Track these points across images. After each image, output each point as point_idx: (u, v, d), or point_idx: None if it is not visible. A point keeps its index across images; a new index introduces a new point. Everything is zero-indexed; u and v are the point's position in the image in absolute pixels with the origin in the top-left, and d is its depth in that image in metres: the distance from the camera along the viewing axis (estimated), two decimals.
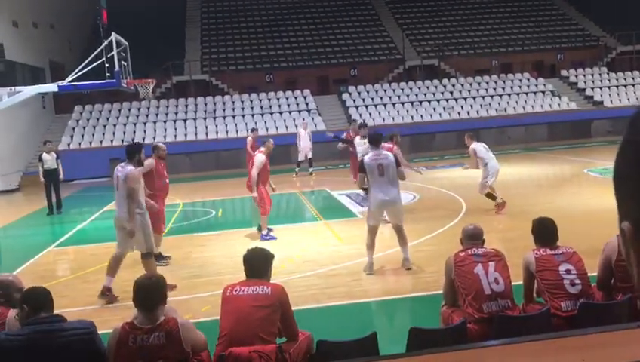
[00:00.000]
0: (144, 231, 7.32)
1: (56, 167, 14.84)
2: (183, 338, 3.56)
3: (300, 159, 19.90)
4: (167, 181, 9.40)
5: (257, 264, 4.33)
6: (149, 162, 9.00)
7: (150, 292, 3.64)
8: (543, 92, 29.72)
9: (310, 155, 19.86)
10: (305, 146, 19.89)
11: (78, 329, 3.61)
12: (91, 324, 3.72)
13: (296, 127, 24.91)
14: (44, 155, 14.91)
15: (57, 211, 15.07)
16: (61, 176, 15.06)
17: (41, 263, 9.97)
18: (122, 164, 7.43)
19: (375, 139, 7.80)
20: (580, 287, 4.33)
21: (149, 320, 3.57)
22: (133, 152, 7.55)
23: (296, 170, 19.61)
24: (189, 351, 3.64)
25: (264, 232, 10.34)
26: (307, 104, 28.91)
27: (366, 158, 7.64)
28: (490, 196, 11.44)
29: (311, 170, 19.74)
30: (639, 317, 4.11)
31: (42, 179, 14.82)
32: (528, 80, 30.85)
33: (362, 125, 13.40)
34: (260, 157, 10.12)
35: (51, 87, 15.41)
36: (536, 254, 4.54)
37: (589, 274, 4.50)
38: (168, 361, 3.54)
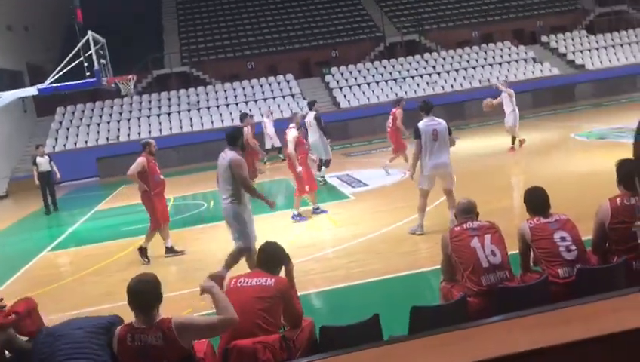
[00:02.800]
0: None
1: (50, 169, 15.52)
2: (180, 338, 3.50)
3: (267, 147, 19.79)
4: (162, 177, 9.28)
5: (271, 259, 4.37)
6: (140, 160, 8.89)
7: (143, 294, 3.59)
8: (525, 59, 29.76)
9: (278, 143, 19.67)
10: (273, 134, 19.83)
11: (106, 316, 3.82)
12: (117, 317, 3.83)
13: (271, 114, 24.88)
14: (38, 158, 15.53)
15: (54, 210, 15.84)
16: (58, 176, 15.86)
17: (36, 268, 9.92)
18: (226, 150, 6.89)
19: (428, 106, 8.23)
20: (576, 253, 4.36)
21: (145, 322, 3.55)
22: (235, 137, 6.99)
23: (265, 159, 19.47)
24: (189, 348, 3.59)
25: (295, 212, 10.30)
26: (290, 88, 28.79)
27: (420, 124, 8.08)
28: (514, 139, 14.69)
29: (281, 156, 19.54)
30: (635, 279, 4.15)
31: (37, 182, 15.40)
32: (509, 48, 30.86)
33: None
34: (292, 132, 10.24)
35: (31, 91, 15.22)
36: (531, 224, 4.56)
37: (583, 239, 4.53)
38: (171, 360, 3.52)
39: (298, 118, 11.02)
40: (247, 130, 13.30)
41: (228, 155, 6.79)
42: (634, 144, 2.94)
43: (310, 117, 13.38)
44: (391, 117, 13.88)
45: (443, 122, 8.18)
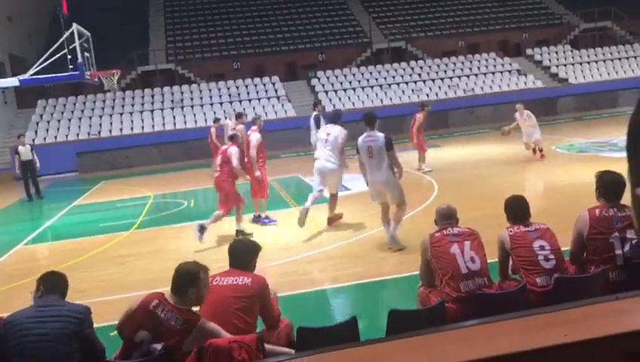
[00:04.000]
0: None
1: (31, 158, 16.21)
2: (191, 337, 3.59)
3: None
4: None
5: (242, 255, 4.31)
6: (236, 150, 9.30)
7: (179, 277, 3.73)
8: (510, 71, 30.05)
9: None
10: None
11: (73, 309, 3.73)
12: (87, 309, 3.78)
13: (264, 114, 24.79)
14: (20, 148, 16.29)
15: (38, 197, 16.53)
16: (38, 165, 16.46)
17: (9, 262, 9.74)
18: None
19: (369, 119, 7.87)
20: (554, 262, 4.38)
21: (176, 302, 3.67)
22: (339, 116, 9.63)
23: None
24: (187, 352, 3.61)
25: (263, 215, 10.32)
26: (276, 90, 28.74)
27: (359, 139, 7.84)
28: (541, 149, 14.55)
29: None
30: (611, 290, 4.18)
31: (17, 171, 16.31)
32: (494, 60, 31.16)
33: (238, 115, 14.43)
34: (255, 136, 10.01)
35: (12, 82, 15.02)
36: (511, 232, 4.58)
37: (562, 249, 4.56)
38: (169, 346, 3.55)
39: (261, 122, 10.69)
40: (213, 131, 13.58)
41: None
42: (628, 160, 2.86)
43: (312, 117, 13.78)
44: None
45: (381, 138, 7.65)
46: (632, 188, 2.04)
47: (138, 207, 13.88)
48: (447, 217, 4.79)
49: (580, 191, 9.32)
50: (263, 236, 9.30)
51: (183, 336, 3.56)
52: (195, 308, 4.00)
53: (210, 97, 28.22)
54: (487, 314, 2.99)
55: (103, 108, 27.46)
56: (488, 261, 4.55)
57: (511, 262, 4.63)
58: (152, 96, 28.23)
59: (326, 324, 3.87)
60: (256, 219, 10.40)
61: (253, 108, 27.19)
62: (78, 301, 6.69)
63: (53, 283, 3.90)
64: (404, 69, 30.26)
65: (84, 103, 27.78)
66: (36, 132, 25.52)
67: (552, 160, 15.30)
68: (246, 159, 10.14)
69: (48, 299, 3.79)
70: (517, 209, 4.71)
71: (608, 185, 4.56)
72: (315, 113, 13.79)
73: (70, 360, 3.52)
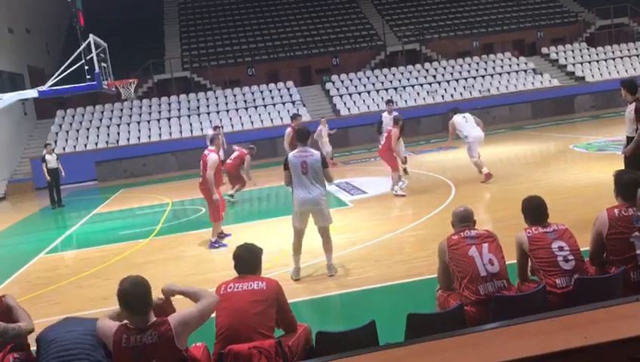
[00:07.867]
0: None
1: (57, 166, 16.94)
2: (177, 338, 3.48)
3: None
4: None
5: (248, 260, 4.33)
6: (215, 158, 9.47)
7: (142, 296, 3.54)
8: (525, 70, 29.85)
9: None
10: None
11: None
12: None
13: (272, 120, 24.84)
14: (47, 156, 16.91)
15: (59, 205, 17.13)
16: (63, 174, 17.22)
17: (32, 271, 9.88)
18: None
19: (303, 135, 7.38)
20: (574, 263, 4.34)
21: (141, 322, 3.51)
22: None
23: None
24: (182, 349, 3.54)
25: (213, 240, 9.71)
26: (291, 95, 28.84)
27: (290, 155, 7.26)
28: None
29: None
30: (632, 290, 4.14)
31: (47, 177, 16.77)
32: (510, 59, 30.96)
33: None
34: (213, 157, 9.54)
35: (31, 93, 15.25)
36: (529, 233, 4.54)
37: (581, 249, 4.52)
38: (163, 361, 3.48)
39: (219, 141, 10.14)
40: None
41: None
42: None
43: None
44: (385, 135, 12.57)
45: (317, 154, 7.21)
46: None
47: (157, 214, 14.01)
48: (464, 219, 4.76)
49: (599, 191, 9.25)
50: (280, 241, 9.33)
51: (168, 345, 3.45)
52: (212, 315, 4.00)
53: (226, 103, 28.40)
54: (506, 316, 2.99)
55: (120, 117, 27.77)
56: (507, 263, 4.53)
57: (530, 264, 4.60)
58: (169, 104, 28.48)
59: (345, 328, 3.88)
60: (213, 245, 9.65)
61: (269, 113, 27.31)
62: (102, 307, 6.81)
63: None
64: (418, 71, 30.19)
65: (102, 113, 28.11)
66: (56, 142, 25.85)
67: (571, 159, 15.17)
68: (200, 180, 9.78)
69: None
70: (535, 209, 4.67)
71: (626, 184, 4.52)
72: (385, 113, 14.49)
73: (96, 352, 3.57)
